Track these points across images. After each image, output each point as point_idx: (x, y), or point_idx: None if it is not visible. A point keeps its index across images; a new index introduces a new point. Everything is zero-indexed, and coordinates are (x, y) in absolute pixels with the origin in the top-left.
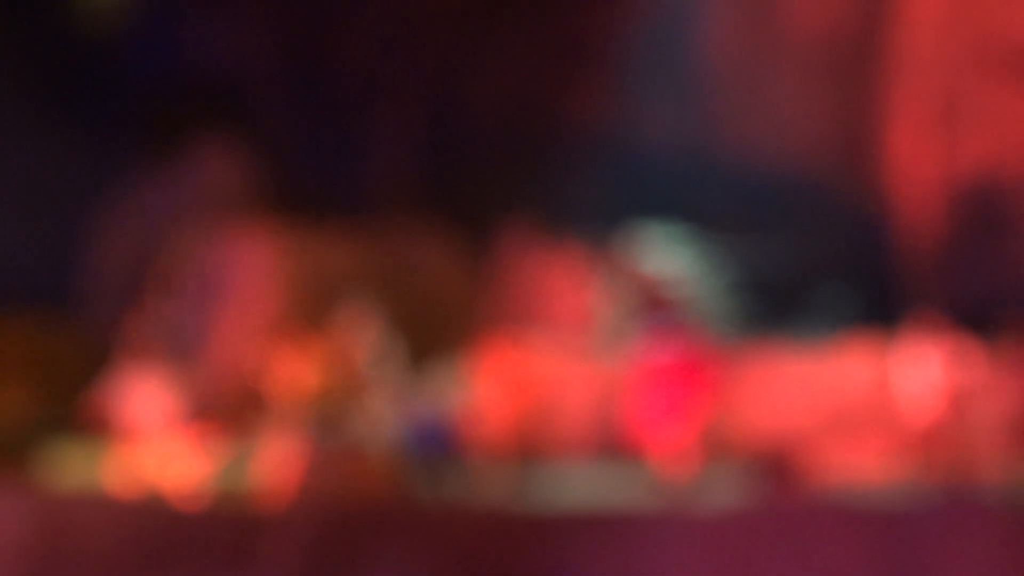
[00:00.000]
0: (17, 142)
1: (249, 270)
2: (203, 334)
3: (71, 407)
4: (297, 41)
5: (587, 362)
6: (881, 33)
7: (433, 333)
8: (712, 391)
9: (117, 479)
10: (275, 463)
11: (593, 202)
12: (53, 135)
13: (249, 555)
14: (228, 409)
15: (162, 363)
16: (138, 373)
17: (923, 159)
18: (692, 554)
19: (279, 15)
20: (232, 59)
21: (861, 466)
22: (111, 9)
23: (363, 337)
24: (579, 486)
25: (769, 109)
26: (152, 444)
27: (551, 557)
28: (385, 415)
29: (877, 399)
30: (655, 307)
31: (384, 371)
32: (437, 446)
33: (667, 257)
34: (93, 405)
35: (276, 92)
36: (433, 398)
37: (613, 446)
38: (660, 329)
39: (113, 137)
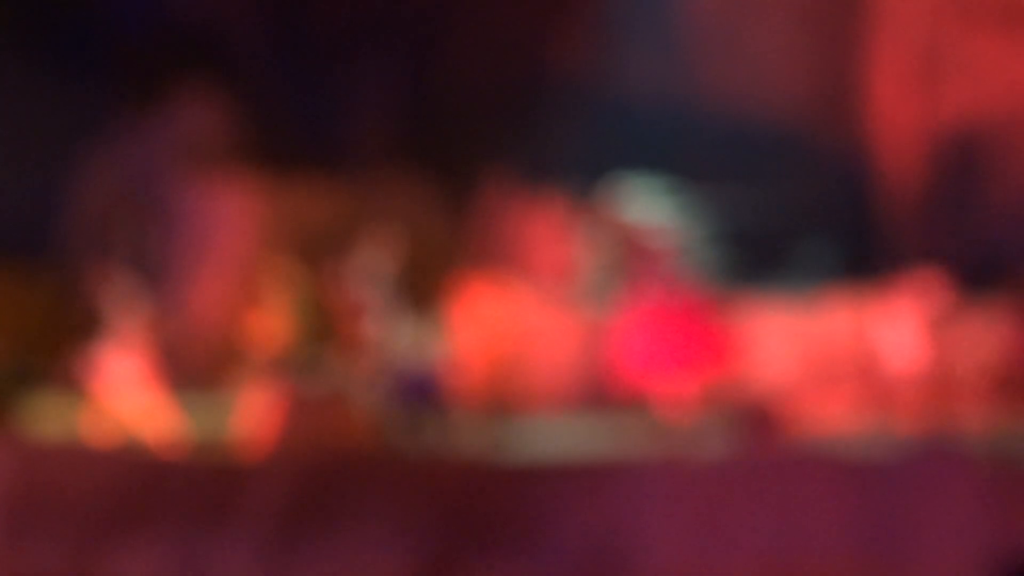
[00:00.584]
0: None
1: (228, 220)
2: (182, 284)
3: (48, 359)
4: None
5: (569, 312)
6: None
7: (415, 283)
8: (713, 338)
9: (96, 430)
10: (255, 412)
11: (575, 152)
12: (27, 83)
13: (229, 504)
14: (207, 358)
15: (139, 313)
16: (116, 324)
17: (906, 109)
18: (673, 504)
19: None
20: (212, 6)
21: (843, 417)
22: None
23: (349, 286)
24: (560, 437)
25: (751, 59)
26: (130, 395)
27: (531, 508)
28: (368, 364)
29: (859, 351)
30: (638, 257)
31: (369, 320)
32: (419, 397)
33: (649, 207)
34: (74, 357)
35: (256, 39)
36: (413, 348)
37: (595, 396)
38: (652, 275)
39: (90, 85)
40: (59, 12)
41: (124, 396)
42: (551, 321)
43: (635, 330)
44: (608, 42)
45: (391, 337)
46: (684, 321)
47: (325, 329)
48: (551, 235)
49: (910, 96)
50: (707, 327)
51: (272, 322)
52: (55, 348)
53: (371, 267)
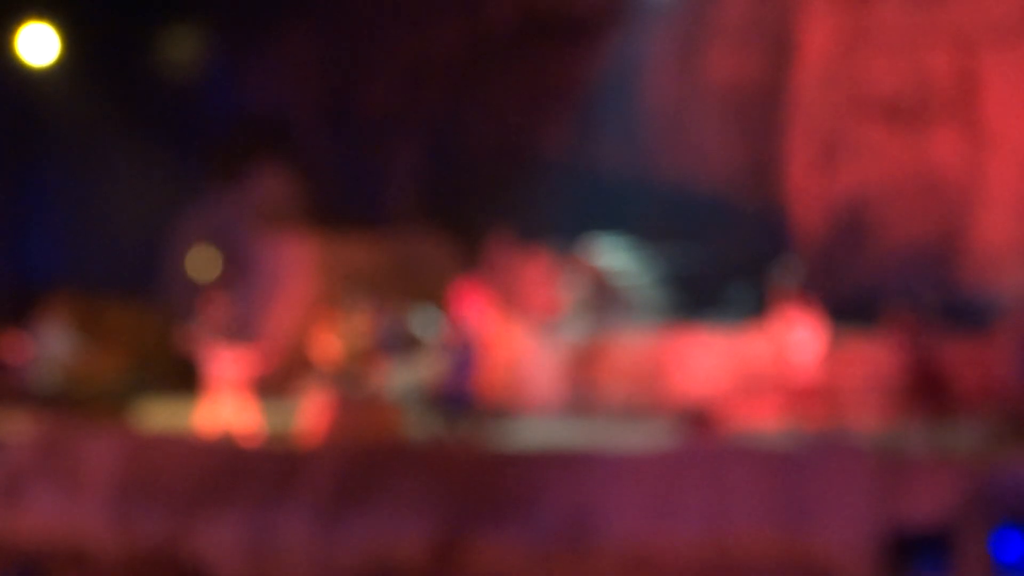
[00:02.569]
0: (117, 166)
1: (293, 265)
2: (260, 314)
3: (156, 372)
4: (331, 88)
5: (554, 339)
6: (779, 85)
7: (433, 316)
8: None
9: (197, 423)
10: (312, 412)
11: (558, 215)
12: (142, 160)
13: (292, 482)
14: (279, 371)
15: (232, 337)
16: (214, 344)
17: (811, 183)
18: (630, 485)
19: (317, 67)
20: (281, 101)
21: (761, 418)
22: (189, 60)
23: (379, 316)
24: (545, 432)
25: (693, 143)
26: (223, 398)
27: (521, 487)
28: (394, 375)
29: (773, 368)
30: (606, 296)
31: (396, 343)
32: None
33: (613, 258)
34: (185, 369)
35: (314, 128)
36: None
37: (573, 403)
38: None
39: (188, 162)
40: (166, 108)
41: (218, 399)
42: (540, 346)
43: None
44: (583, 131)
45: (411, 360)
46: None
47: (366, 351)
48: (540, 280)
49: (814, 173)
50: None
51: (328, 345)
52: (161, 363)
53: (398, 301)
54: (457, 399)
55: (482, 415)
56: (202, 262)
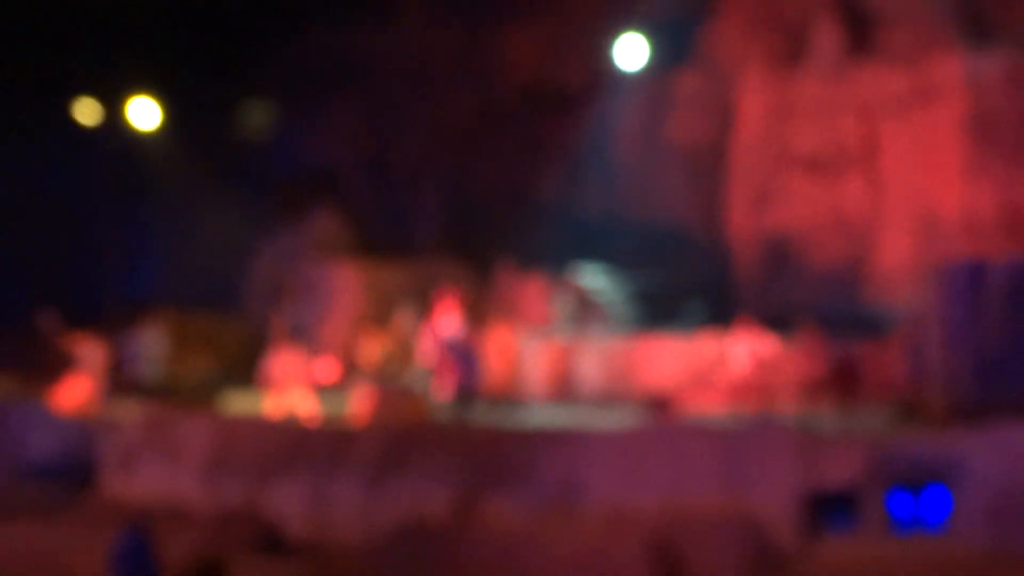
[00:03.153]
0: (206, 208)
1: (342, 286)
2: (317, 325)
3: (234, 369)
4: (371, 147)
5: (546, 342)
6: (722, 145)
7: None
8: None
9: (268, 409)
10: (359, 401)
11: (549, 247)
12: (227, 203)
13: (344, 455)
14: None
15: (294, 342)
16: (280, 349)
17: (746, 221)
18: (607, 456)
19: (360, 131)
20: (332, 158)
21: (708, 405)
22: (262, 125)
23: (409, 326)
24: (539, 415)
25: (656, 190)
26: (288, 390)
27: (522, 459)
28: (423, 373)
29: (718, 366)
30: (587, 309)
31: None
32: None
33: (592, 280)
34: (258, 367)
35: (358, 178)
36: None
37: (560, 392)
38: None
39: (259, 204)
40: (244, 163)
41: (285, 391)
42: (535, 348)
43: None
44: (570, 180)
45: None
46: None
47: (401, 354)
48: (535, 297)
49: (750, 213)
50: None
51: (370, 349)
52: (240, 363)
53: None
54: (464, 389)
55: (488, 403)
56: (270, 283)
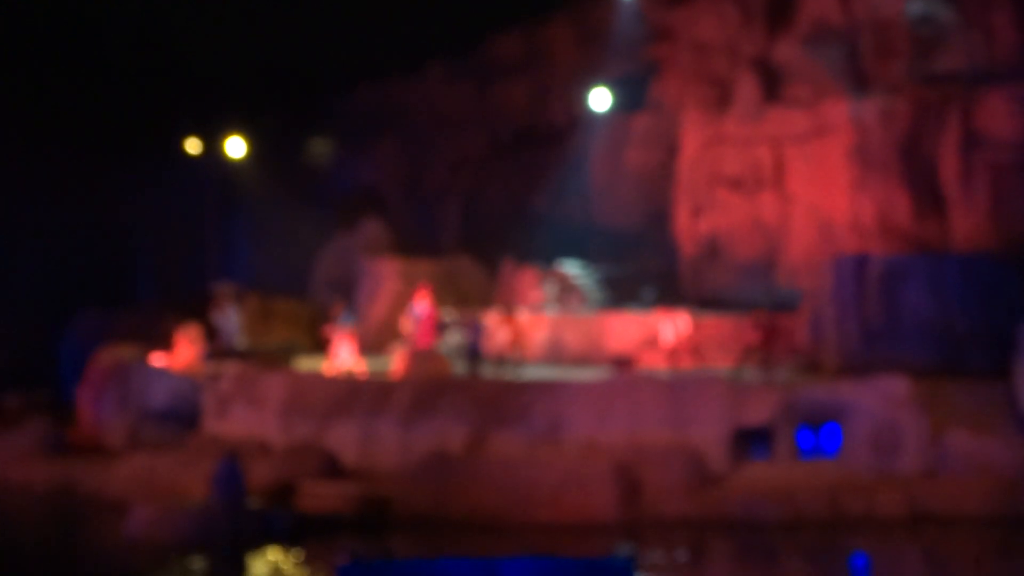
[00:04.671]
0: (282, 218)
1: (385, 278)
2: (368, 307)
3: (303, 340)
4: (407, 171)
5: (541, 317)
6: (669, 166)
7: (468, 305)
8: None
9: (330, 368)
10: (397, 361)
11: (541, 246)
12: (298, 215)
13: (387, 400)
14: (378, 339)
15: (348, 320)
16: (340, 325)
17: (688, 226)
18: (585, 401)
19: (400, 159)
20: (378, 180)
21: (655, 363)
22: (325, 157)
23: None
24: (534, 372)
25: (620, 201)
26: (345, 354)
27: (523, 403)
28: (448, 341)
29: (660, 335)
30: (568, 292)
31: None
32: (476, 336)
33: (573, 270)
34: (323, 337)
35: (397, 195)
36: (475, 322)
37: (548, 354)
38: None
39: (321, 216)
40: (312, 184)
41: (342, 355)
42: (534, 322)
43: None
44: (557, 194)
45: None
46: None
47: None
48: (530, 284)
49: (690, 220)
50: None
51: (405, 324)
52: (308, 335)
53: (449, 297)
54: (473, 352)
55: (494, 363)
56: (331, 277)
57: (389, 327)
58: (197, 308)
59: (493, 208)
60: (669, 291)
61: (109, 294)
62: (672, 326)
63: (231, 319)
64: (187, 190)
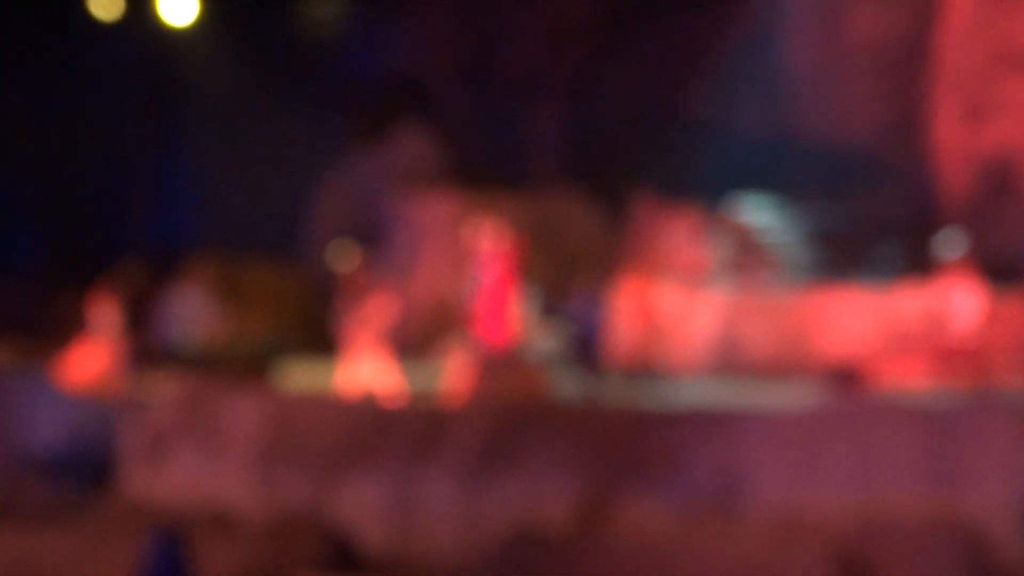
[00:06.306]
0: (256, 128)
1: (436, 224)
2: (403, 274)
3: (296, 332)
4: (471, 49)
5: (701, 297)
6: (923, 41)
7: (575, 272)
8: None
9: (339, 384)
10: (457, 371)
11: (701, 174)
12: (285, 120)
13: (435, 443)
14: (422, 331)
15: (374, 294)
16: (355, 306)
17: (956, 140)
18: (776, 446)
19: (458, 29)
20: (422, 63)
21: (910, 376)
22: (330, 20)
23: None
24: (691, 391)
25: (837, 101)
26: (364, 358)
27: (667, 448)
28: (536, 335)
29: (925, 326)
30: (750, 254)
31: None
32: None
33: (758, 216)
34: (326, 330)
35: (455, 89)
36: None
37: (723, 363)
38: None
39: (331, 123)
40: (307, 69)
41: (360, 360)
42: (687, 304)
43: None
44: (724, 90)
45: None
46: None
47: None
48: (684, 238)
49: (960, 130)
50: None
51: (473, 304)
52: (303, 324)
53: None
54: (587, 354)
55: (621, 375)
56: (342, 224)
57: (440, 311)
58: (111, 283)
59: (617, 112)
60: (924, 252)
61: None
62: (969, 303)
63: (184, 303)
64: (96, 83)
